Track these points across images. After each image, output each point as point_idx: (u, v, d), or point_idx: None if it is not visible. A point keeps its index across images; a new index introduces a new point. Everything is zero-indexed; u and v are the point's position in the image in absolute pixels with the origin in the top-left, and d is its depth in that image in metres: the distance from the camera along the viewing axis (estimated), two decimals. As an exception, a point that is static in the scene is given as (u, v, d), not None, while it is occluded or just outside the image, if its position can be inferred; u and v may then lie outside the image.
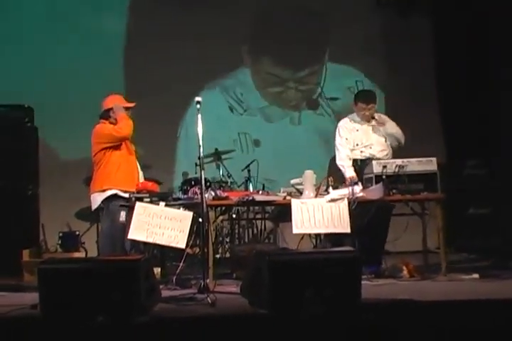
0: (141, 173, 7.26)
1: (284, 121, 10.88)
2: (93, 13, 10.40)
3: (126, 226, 6.53)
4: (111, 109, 7.12)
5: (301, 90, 10.96)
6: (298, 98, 10.96)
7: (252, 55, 10.89)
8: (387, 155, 7.49)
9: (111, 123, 7.11)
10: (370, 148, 7.49)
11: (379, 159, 7.24)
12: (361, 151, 7.49)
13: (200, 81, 10.51)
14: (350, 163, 7.46)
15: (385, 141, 7.53)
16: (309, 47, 10.85)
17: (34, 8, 10.28)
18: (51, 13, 10.31)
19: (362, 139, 7.51)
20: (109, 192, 6.90)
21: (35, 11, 10.27)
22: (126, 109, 7.16)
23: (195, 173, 7.98)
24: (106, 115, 7.14)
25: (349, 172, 7.37)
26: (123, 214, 6.69)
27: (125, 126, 7.03)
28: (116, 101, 7.15)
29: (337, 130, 7.67)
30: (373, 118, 7.51)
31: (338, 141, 7.60)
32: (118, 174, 6.96)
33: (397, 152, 7.60)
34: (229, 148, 9.36)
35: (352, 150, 7.52)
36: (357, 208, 6.83)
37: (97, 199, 6.97)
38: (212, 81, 10.75)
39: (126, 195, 6.81)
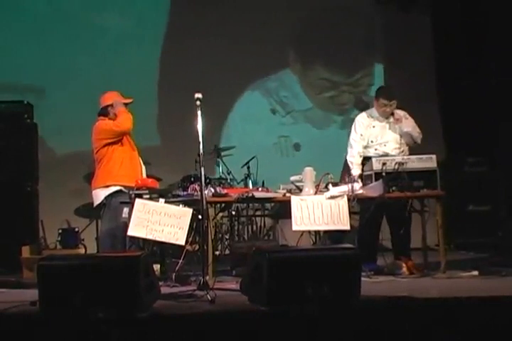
0: (143, 168, 7.28)
1: (328, 125, 10.85)
2: (95, 11, 10.40)
3: (128, 222, 6.53)
4: (109, 105, 7.14)
5: (353, 92, 10.95)
6: (351, 101, 10.92)
7: (299, 59, 10.88)
8: (402, 152, 7.40)
9: (110, 119, 7.12)
10: (385, 145, 7.40)
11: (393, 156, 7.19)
12: (375, 149, 7.40)
13: (242, 82, 10.59)
14: (360, 160, 7.38)
15: (401, 138, 7.45)
16: (358, 48, 10.83)
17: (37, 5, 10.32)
18: (53, 11, 10.34)
19: (377, 136, 7.42)
20: (112, 189, 6.93)
21: (38, 7, 10.29)
22: (125, 104, 7.18)
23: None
24: (105, 112, 7.17)
25: (356, 171, 7.31)
26: (126, 211, 6.70)
27: (125, 120, 7.05)
28: (114, 98, 7.18)
29: (353, 125, 7.56)
30: (392, 114, 7.43)
31: (352, 136, 7.50)
32: (121, 170, 6.99)
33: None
34: (268, 151, 9.37)
35: (366, 147, 7.44)
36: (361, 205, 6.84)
37: (99, 195, 6.98)
38: (255, 82, 10.77)
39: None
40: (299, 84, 10.92)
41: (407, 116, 7.54)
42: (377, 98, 7.47)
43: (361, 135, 7.45)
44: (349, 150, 7.50)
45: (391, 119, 7.45)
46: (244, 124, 10.62)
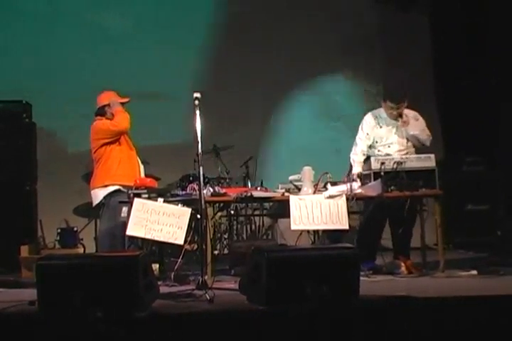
0: (142, 168, 7.29)
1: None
2: (94, 10, 10.41)
3: (127, 222, 6.54)
4: (106, 105, 7.16)
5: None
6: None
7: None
8: (406, 154, 7.29)
9: (107, 119, 7.13)
10: (389, 147, 7.35)
11: None
12: (378, 150, 7.37)
13: (295, 85, 10.66)
14: (362, 159, 7.35)
15: (407, 142, 7.39)
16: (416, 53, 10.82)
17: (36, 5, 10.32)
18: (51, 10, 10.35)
19: (382, 137, 7.38)
20: (111, 188, 6.94)
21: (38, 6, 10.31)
22: (122, 104, 7.19)
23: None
24: (101, 112, 7.19)
25: (356, 169, 7.29)
26: (125, 210, 6.70)
27: (122, 119, 7.07)
28: (111, 97, 7.20)
29: (361, 123, 7.50)
30: (401, 116, 7.30)
31: (359, 134, 7.46)
32: (119, 169, 7.01)
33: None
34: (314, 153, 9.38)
35: (371, 146, 7.43)
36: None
37: (98, 194, 6.99)
38: (308, 85, 10.80)
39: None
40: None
41: (418, 116, 7.45)
42: (384, 100, 7.38)
43: (367, 134, 7.40)
44: (353, 148, 7.47)
45: (399, 121, 7.34)
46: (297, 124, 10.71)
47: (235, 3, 10.70)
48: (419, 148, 7.46)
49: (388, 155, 7.23)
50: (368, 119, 7.47)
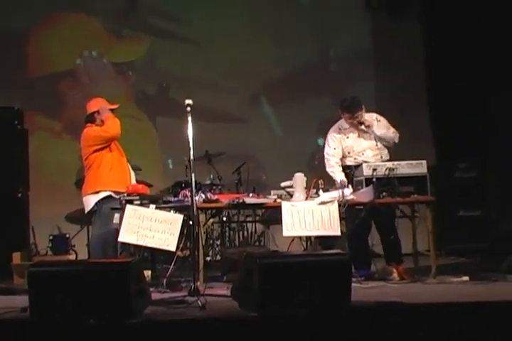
0: (132, 174, 7.29)
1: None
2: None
3: (119, 228, 6.53)
4: (96, 112, 7.16)
5: None
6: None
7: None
8: (381, 157, 7.41)
9: (97, 125, 7.14)
10: (363, 154, 7.42)
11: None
12: (354, 158, 7.43)
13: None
14: (340, 168, 7.41)
15: (376, 144, 7.47)
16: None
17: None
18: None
19: (353, 147, 7.44)
20: (103, 194, 6.94)
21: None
22: (111, 110, 7.20)
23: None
24: (91, 118, 7.20)
25: (339, 176, 7.30)
26: (117, 217, 6.70)
27: (112, 125, 7.08)
28: (100, 104, 7.21)
29: (326, 139, 7.60)
30: (362, 123, 7.40)
31: (326, 150, 7.53)
32: (110, 175, 7.01)
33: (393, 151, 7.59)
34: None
35: (344, 157, 7.48)
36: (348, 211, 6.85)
37: (90, 201, 6.99)
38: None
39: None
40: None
41: (379, 117, 7.55)
42: (341, 112, 7.46)
43: (334, 149, 7.47)
44: (326, 162, 7.53)
45: (362, 127, 7.43)
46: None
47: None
48: (391, 147, 7.55)
49: (366, 162, 7.27)
50: (332, 135, 7.54)
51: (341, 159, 7.49)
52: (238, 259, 6.87)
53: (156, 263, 7.44)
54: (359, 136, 7.48)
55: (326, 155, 7.54)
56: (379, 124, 7.47)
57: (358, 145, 7.46)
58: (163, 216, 6.50)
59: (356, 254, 6.77)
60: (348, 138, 7.48)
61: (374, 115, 7.58)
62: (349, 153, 7.46)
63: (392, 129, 7.50)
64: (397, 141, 7.52)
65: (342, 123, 7.54)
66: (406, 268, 7.08)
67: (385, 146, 7.52)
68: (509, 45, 9.05)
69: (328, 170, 7.49)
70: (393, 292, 6.23)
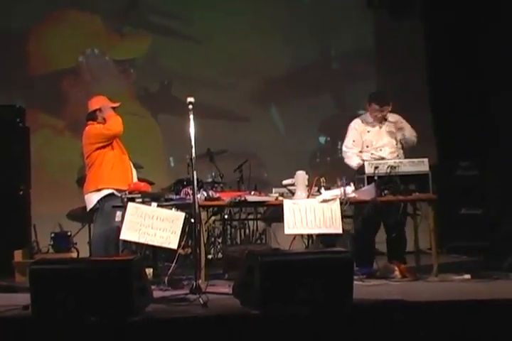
0: (134, 172, 7.29)
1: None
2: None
3: (120, 226, 6.53)
4: (97, 109, 7.15)
5: None
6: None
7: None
8: (397, 156, 7.43)
9: (99, 123, 7.13)
10: (381, 150, 7.44)
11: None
12: (371, 154, 7.44)
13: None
14: (359, 158, 7.43)
15: (396, 143, 7.48)
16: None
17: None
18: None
19: (372, 141, 7.47)
20: (105, 192, 6.94)
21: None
22: (113, 108, 7.19)
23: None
24: (92, 116, 7.19)
25: (355, 161, 7.40)
26: (119, 215, 6.70)
27: (115, 123, 7.08)
28: (102, 102, 7.21)
29: (347, 131, 7.61)
30: (386, 119, 7.45)
31: (345, 142, 7.58)
32: (112, 173, 7.01)
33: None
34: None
35: (361, 151, 7.49)
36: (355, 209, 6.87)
37: (92, 199, 6.98)
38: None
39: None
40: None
41: (402, 120, 7.56)
42: (369, 103, 7.48)
43: (353, 141, 7.48)
44: (344, 154, 7.57)
45: (386, 124, 7.47)
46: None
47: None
48: (409, 150, 7.56)
49: (382, 158, 7.27)
50: (355, 126, 7.56)
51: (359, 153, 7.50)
52: (240, 257, 6.87)
53: (157, 261, 7.45)
54: (380, 132, 7.49)
55: (344, 148, 7.58)
56: (408, 128, 7.51)
57: (377, 141, 7.47)
58: (164, 214, 6.49)
59: (360, 252, 6.78)
60: (369, 132, 7.50)
61: (397, 116, 7.58)
62: (367, 147, 7.46)
63: (414, 133, 7.54)
64: (415, 145, 7.56)
65: (365, 116, 7.57)
66: (408, 266, 7.09)
67: (402, 147, 7.53)
68: (509, 45, 9.03)
69: (346, 161, 7.53)
70: (395, 290, 6.23)
